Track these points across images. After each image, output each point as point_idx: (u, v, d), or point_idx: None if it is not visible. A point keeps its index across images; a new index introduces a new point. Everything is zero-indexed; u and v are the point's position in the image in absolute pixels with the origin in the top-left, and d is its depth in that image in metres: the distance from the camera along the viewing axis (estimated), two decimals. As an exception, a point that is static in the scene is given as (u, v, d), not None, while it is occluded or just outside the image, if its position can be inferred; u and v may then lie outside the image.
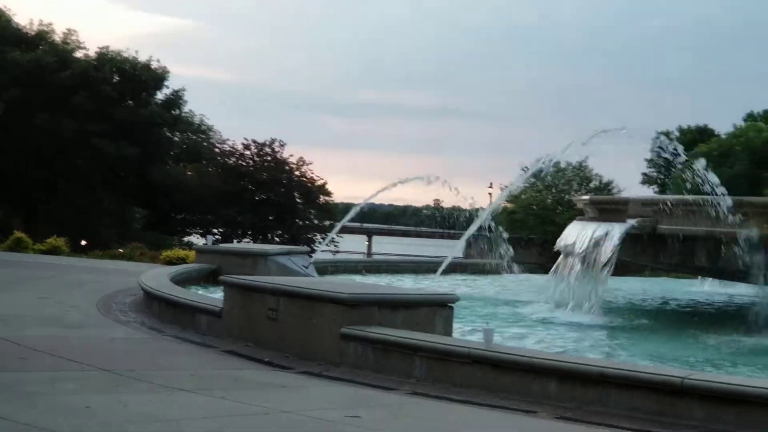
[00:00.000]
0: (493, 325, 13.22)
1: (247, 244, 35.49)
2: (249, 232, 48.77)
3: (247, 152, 53.90)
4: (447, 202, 33.95)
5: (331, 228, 37.75)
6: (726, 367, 14.46)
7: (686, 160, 20.61)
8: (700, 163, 19.89)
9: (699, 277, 28.00)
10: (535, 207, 45.22)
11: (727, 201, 18.19)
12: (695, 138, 67.83)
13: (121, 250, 37.19)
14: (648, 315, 22.06)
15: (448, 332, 13.39)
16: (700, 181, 19.18)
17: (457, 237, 31.27)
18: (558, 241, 22.24)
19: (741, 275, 18.21)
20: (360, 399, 10.64)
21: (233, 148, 57.43)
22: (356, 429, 8.60)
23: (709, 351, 16.10)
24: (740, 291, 25.18)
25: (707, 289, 28.32)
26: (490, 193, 66.88)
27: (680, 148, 21.87)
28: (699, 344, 16.87)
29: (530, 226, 43.26)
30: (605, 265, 19.68)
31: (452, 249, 27.86)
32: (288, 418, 9.05)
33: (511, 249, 30.67)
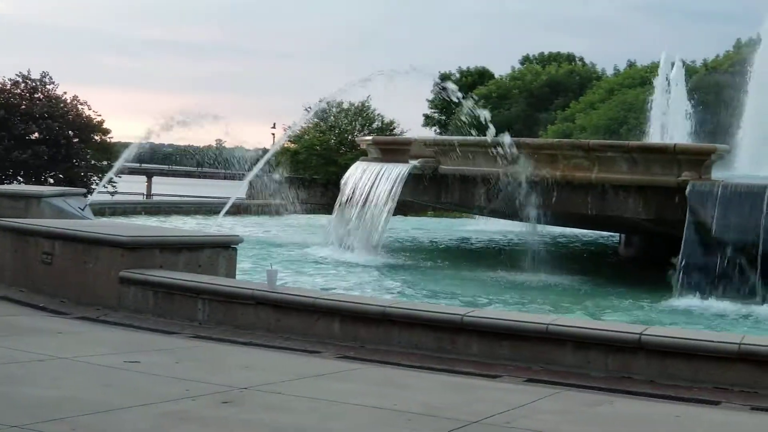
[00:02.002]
0: (276, 266, 13.14)
1: (19, 186, 33.84)
2: (21, 173, 46.55)
3: (17, 90, 51.21)
4: (230, 142, 33.45)
5: (109, 168, 36.48)
6: (506, 303, 14.97)
7: (462, 101, 21.00)
8: (472, 107, 20.31)
9: (480, 216, 28.84)
10: (318, 147, 45.28)
11: (505, 141, 18.68)
12: (475, 80, 69.66)
13: None
14: (429, 254, 22.56)
15: (231, 274, 13.21)
16: (476, 121, 19.62)
17: (240, 178, 30.94)
18: (341, 181, 22.35)
19: (516, 214, 18.83)
20: (140, 343, 10.35)
21: (1, 84, 54.45)
22: (136, 374, 8.35)
23: (486, 288, 16.62)
24: (518, 229, 26.09)
25: (487, 228, 29.25)
26: (273, 134, 66.67)
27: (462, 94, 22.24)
28: (477, 281, 17.39)
29: (313, 166, 43.32)
30: (388, 205, 19.92)
31: (236, 190, 27.54)
32: (66, 364, 8.69)
33: (294, 190, 30.64)
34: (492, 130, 19.07)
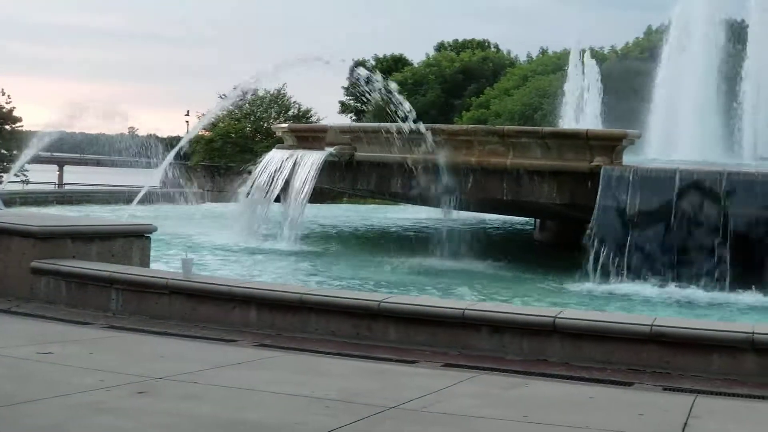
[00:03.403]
0: (191, 254, 13.00)
1: (-76, 176, 32.98)
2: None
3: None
4: (143, 130, 33.01)
5: (18, 158, 35.71)
6: (422, 289, 15.02)
7: (381, 88, 20.98)
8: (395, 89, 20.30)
9: (398, 203, 28.92)
10: (233, 135, 44.95)
11: (421, 128, 18.74)
12: (390, 67, 69.73)
13: None
14: (347, 241, 22.58)
15: (145, 263, 13.03)
16: (393, 108, 19.61)
17: (154, 166, 30.52)
18: (256, 169, 22.17)
19: (432, 200, 18.92)
20: (53, 335, 10.14)
21: None
22: (49, 365, 8.18)
23: (404, 274, 16.68)
24: (436, 216, 26.22)
25: (406, 215, 29.35)
26: (187, 122, 65.89)
27: (379, 77, 22.15)
28: (395, 268, 17.42)
29: (228, 154, 43.01)
30: (304, 192, 19.84)
31: (149, 178, 27.16)
32: (-25, 357, 8.48)
33: (209, 178, 30.36)
34: (413, 116, 19.08)
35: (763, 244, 15.53)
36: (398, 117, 19.33)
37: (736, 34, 26.96)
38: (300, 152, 20.94)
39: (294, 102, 49.17)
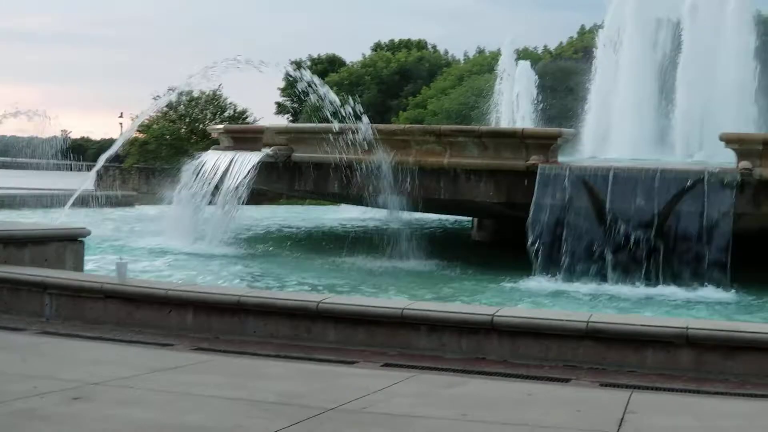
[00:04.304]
0: (126, 258, 12.85)
1: None
2: None
3: None
4: (75, 133, 32.55)
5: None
6: (361, 290, 15.01)
7: (313, 88, 20.89)
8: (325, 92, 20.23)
9: (336, 203, 28.85)
10: (168, 137, 44.55)
11: (359, 128, 18.70)
12: (326, 68, 69.67)
13: None
14: (284, 242, 22.46)
15: (79, 267, 12.86)
16: (331, 110, 19.56)
17: (87, 168, 30.12)
18: (192, 171, 21.94)
19: (372, 201, 18.90)
20: (-16, 342, 9.95)
21: None
22: (-21, 375, 8.02)
23: (343, 274, 16.65)
24: (375, 216, 26.21)
25: (346, 215, 29.28)
26: (121, 123, 65.21)
27: (317, 79, 22.05)
28: (334, 269, 17.39)
29: (164, 156, 42.62)
30: (240, 193, 19.69)
31: (82, 181, 26.75)
32: None
33: (143, 180, 30.03)
34: (365, 119, 19.02)
35: (696, 239, 15.77)
36: (337, 117, 19.29)
37: (669, 32, 27.34)
38: (236, 153, 20.77)
39: (230, 103, 48.94)
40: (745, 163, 15.93)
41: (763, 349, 9.21)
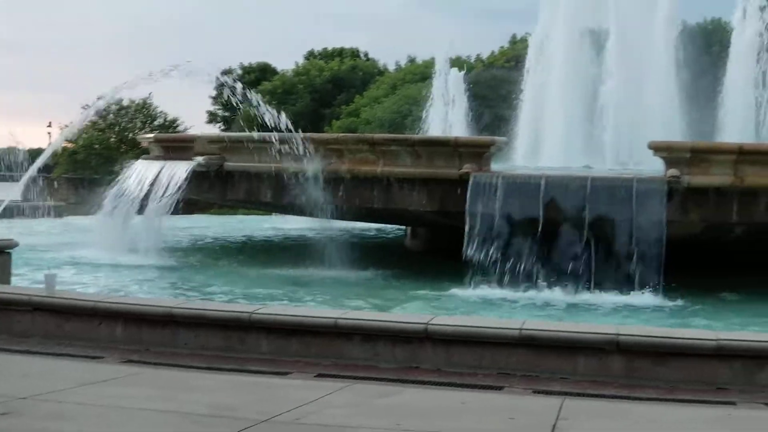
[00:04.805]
0: (54, 270, 12.63)
1: None
2: None
3: None
4: (1, 143, 31.98)
5: None
6: (296, 299, 14.92)
7: (246, 100, 20.77)
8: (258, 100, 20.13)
9: (269, 212, 28.68)
10: (97, 146, 43.98)
11: (291, 137, 18.60)
12: (258, 76, 69.30)
13: None
14: (217, 252, 22.30)
15: (5, 280, 12.60)
16: (265, 118, 19.45)
17: (14, 179, 29.59)
18: (122, 180, 21.65)
19: (304, 209, 18.81)
20: None
21: None
22: None
23: (276, 285, 16.54)
24: (309, 225, 26.11)
25: (280, 225, 29.12)
26: (49, 133, 64.21)
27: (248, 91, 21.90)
28: (267, 279, 17.28)
29: (93, 166, 42.06)
30: (171, 203, 19.47)
31: (9, 192, 26.28)
32: None
33: (72, 190, 29.57)
34: (285, 123, 18.90)
35: (627, 246, 15.95)
36: (269, 126, 19.19)
37: (597, 41, 27.68)
38: (166, 163, 20.54)
39: (160, 112, 48.47)
40: (673, 171, 16.17)
41: (692, 355, 9.33)
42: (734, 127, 26.74)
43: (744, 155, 16.35)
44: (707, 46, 33.37)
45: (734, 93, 27.51)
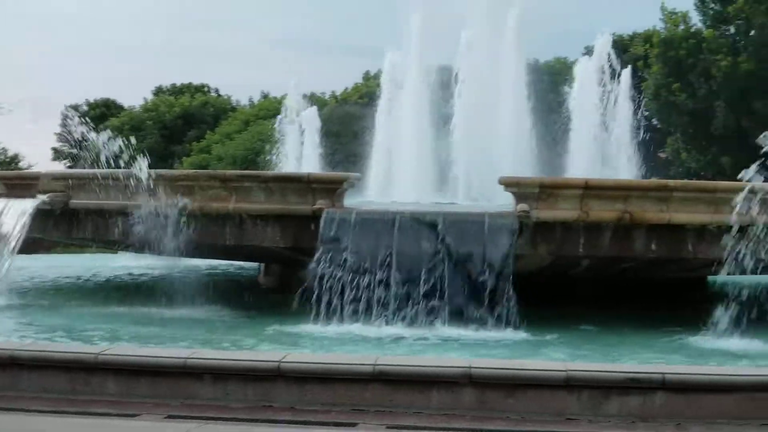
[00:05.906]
0: None
1: None
2: None
3: None
4: None
5: None
6: (146, 339, 14.52)
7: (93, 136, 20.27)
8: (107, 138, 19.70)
9: (117, 251, 27.98)
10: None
11: (140, 174, 18.21)
12: (104, 112, 68.06)
13: None
14: (63, 292, 21.64)
15: None
16: (113, 154, 19.02)
17: None
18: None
19: (156, 247, 18.40)
20: None
21: None
22: None
23: (125, 325, 16.09)
24: (161, 263, 25.59)
25: (131, 263, 28.42)
26: None
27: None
28: (115, 318, 16.83)
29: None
30: (12, 242, 18.78)
31: None
32: None
33: None
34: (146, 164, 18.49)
35: (480, 280, 16.14)
36: (117, 163, 18.76)
37: (446, 78, 28.18)
38: (9, 200, 19.83)
39: (1, 149, 47.00)
40: (522, 206, 16.48)
41: (542, 386, 9.46)
42: (580, 164, 27.60)
43: (589, 190, 16.79)
44: (554, 84, 34.46)
45: (580, 126, 28.46)
